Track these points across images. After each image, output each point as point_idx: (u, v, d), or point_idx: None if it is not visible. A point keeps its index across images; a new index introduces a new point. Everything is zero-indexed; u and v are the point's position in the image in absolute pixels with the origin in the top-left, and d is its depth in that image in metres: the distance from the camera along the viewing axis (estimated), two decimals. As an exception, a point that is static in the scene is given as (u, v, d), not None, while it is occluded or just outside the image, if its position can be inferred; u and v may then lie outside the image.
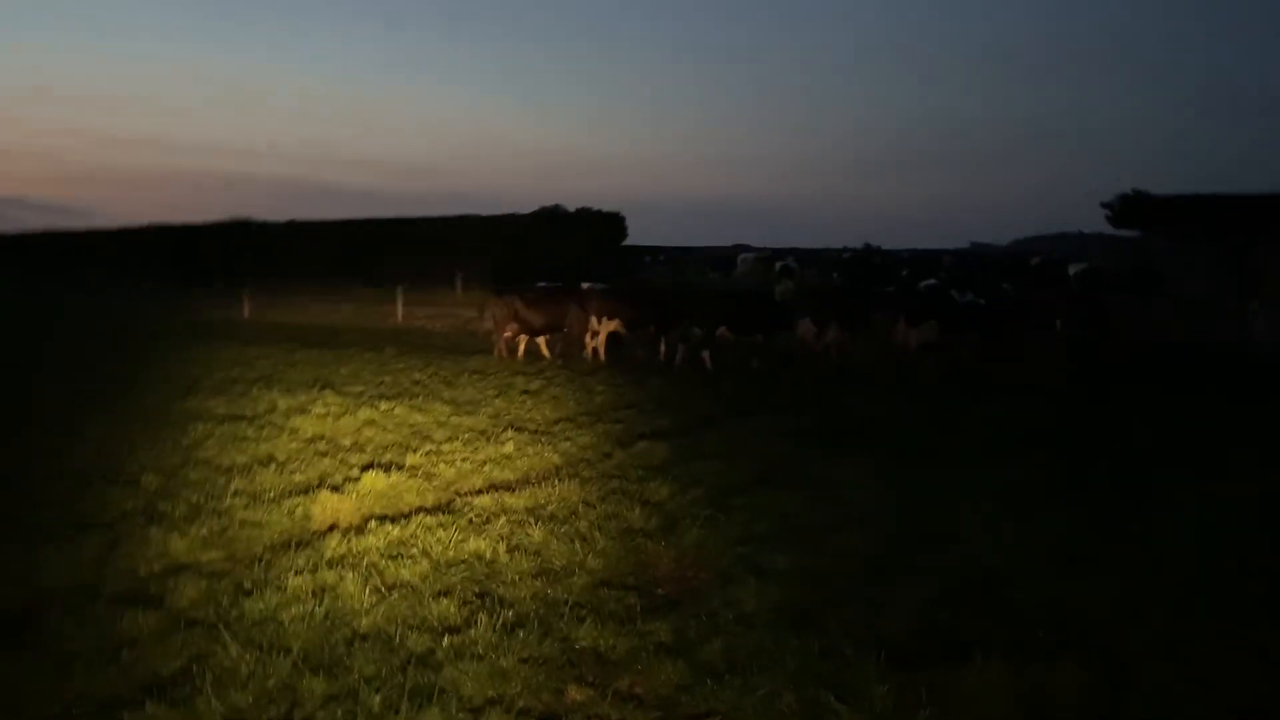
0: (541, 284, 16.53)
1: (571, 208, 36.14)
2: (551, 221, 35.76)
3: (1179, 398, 11.51)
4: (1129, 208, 30.37)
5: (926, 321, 14.69)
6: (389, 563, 5.66)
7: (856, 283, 25.72)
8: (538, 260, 29.68)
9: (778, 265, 37.51)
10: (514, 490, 7.36)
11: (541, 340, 15.76)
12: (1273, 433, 9.45)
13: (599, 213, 35.47)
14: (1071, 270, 25.97)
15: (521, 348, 15.63)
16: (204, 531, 6.21)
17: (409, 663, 4.37)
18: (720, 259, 47.16)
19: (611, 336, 15.62)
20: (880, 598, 5.13)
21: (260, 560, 5.73)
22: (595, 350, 15.44)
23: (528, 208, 37.30)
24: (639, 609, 5.05)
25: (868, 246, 47.76)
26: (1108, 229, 33.18)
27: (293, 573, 5.47)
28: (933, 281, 20.67)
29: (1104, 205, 31.03)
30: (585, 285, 16.31)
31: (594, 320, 15.45)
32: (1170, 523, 6.45)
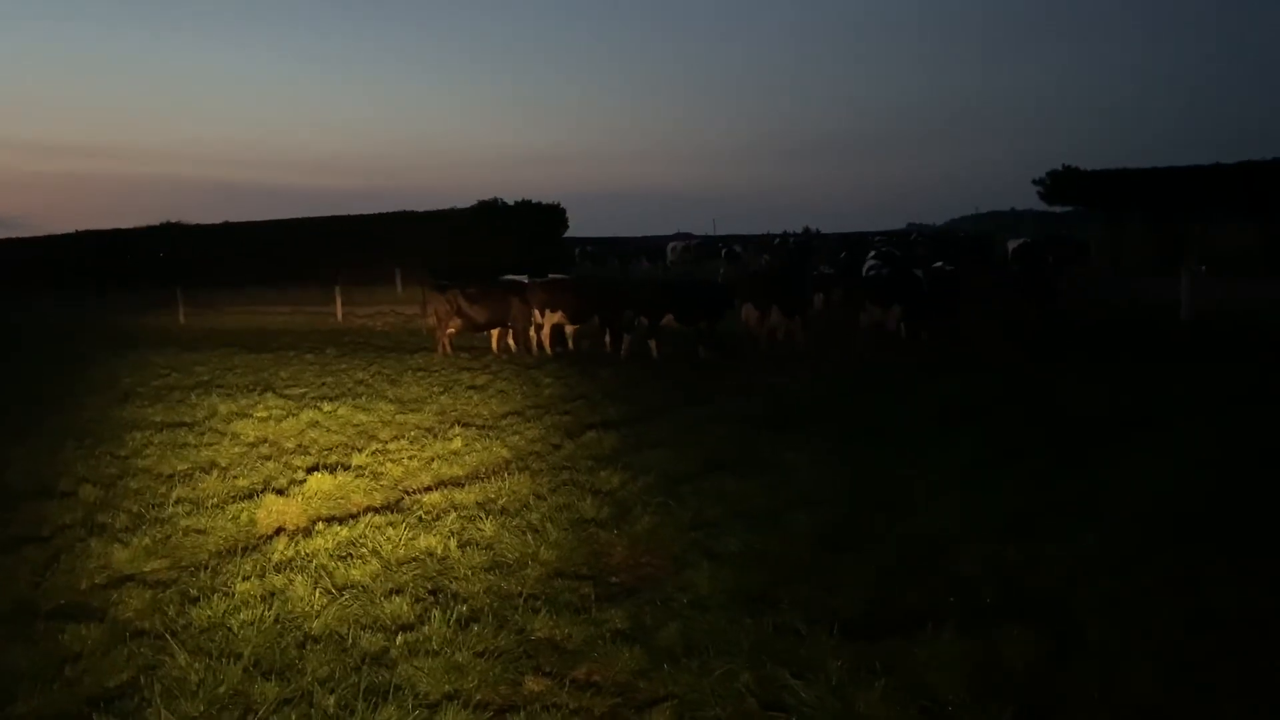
0: (509, 276, 16.41)
1: (511, 201, 35.89)
2: (492, 215, 35.49)
3: (1116, 365, 11.80)
4: (1060, 184, 31.07)
5: (893, 304, 14.95)
6: (338, 564, 5.59)
7: (794, 266, 25.96)
8: (479, 255, 29.47)
9: (723, 251, 37.79)
10: (463, 486, 7.30)
11: (493, 335, 15.66)
12: (1206, 395, 9.73)
13: (539, 205, 35.26)
14: (1010, 245, 26.46)
15: (513, 343, 15.51)
16: (146, 541, 6.06)
17: (363, 662, 4.32)
18: (654, 249, 47.59)
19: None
20: (832, 574, 5.19)
21: (206, 567, 5.62)
22: (540, 343, 15.40)
23: (466, 202, 36.99)
24: (594, 598, 5.05)
25: (807, 231, 48.28)
26: (1040, 205, 33.91)
27: (240, 578, 5.38)
28: (874, 261, 20.93)
29: (1036, 182, 31.69)
30: (553, 276, 16.30)
31: (537, 313, 15.39)
32: (1113, 487, 6.62)
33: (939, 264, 18.84)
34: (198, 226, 43.19)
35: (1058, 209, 35.05)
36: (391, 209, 38.17)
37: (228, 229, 42.11)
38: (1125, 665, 4.07)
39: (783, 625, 4.53)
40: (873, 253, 26.55)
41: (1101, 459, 7.40)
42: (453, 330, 15.50)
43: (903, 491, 6.73)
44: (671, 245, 46.36)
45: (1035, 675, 4.04)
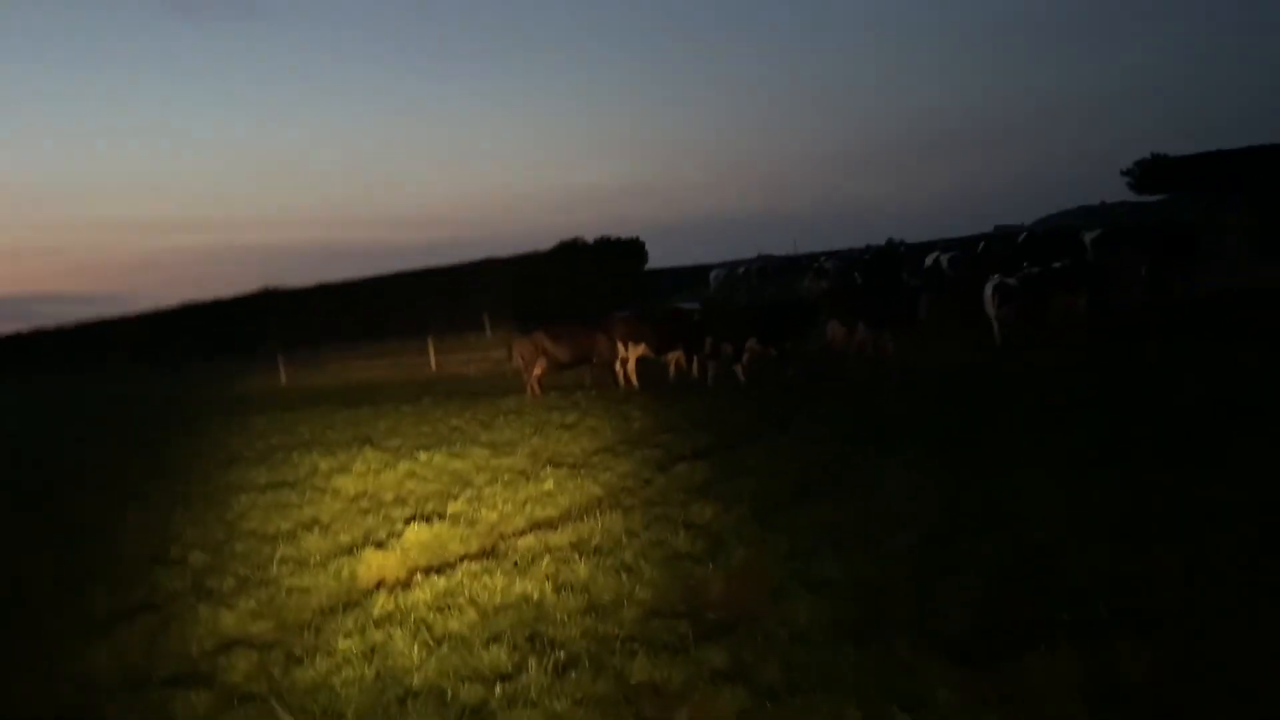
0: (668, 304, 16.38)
1: (590, 239, 36.21)
2: (572, 255, 35.85)
3: (1218, 356, 11.16)
4: (1149, 172, 29.96)
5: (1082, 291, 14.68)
6: (437, 615, 5.62)
7: (879, 278, 25.45)
8: (562, 294, 29.79)
9: (813, 266, 36.97)
10: (557, 527, 7.30)
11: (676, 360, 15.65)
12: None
13: (617, 241, 35.52)
14: (1086, 237, 25.27)
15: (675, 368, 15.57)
16: (252, 604, 6.20)
17: (463, 716, 4.32)
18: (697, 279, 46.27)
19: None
20: (936, 596, 4.99)
21: (309, 626, 5.71)
22: (627, 377, 15.40)
23: (548, 243, 37.43)
24: (692, 636, 4.94)
25: (890, 242, 47.24)
26: (1131, 198, 32.73)
27: (342, 635, 5.45)
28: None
29: (1124, 173, 30.62)
30: (685, 306, 16.35)
31: (621, 347, 15.41)
32: (1226, 484, 6.22)
33: (1025, 264, 18.19)
34: (294, 289, 44.71)
35: (1149, 199, 33.74)
36: (478, 256, 38.94)
37: (323, 290, 43.49)
38: (1255, 676, 3.78)
39: (888, 655, 4.36)
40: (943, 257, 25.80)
41: (1206, 454, 6.97)
42: (540, 371, 15.64)
43: (1003, 502, 6.46)
44: (714, 273, 44.58)
45: (1159, 691, 3.79)
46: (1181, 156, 29.38)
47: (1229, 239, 25.56)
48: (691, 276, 51.64)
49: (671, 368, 15.66)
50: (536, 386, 15.57)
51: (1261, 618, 4.28)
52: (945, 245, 39.31)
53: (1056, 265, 16.11)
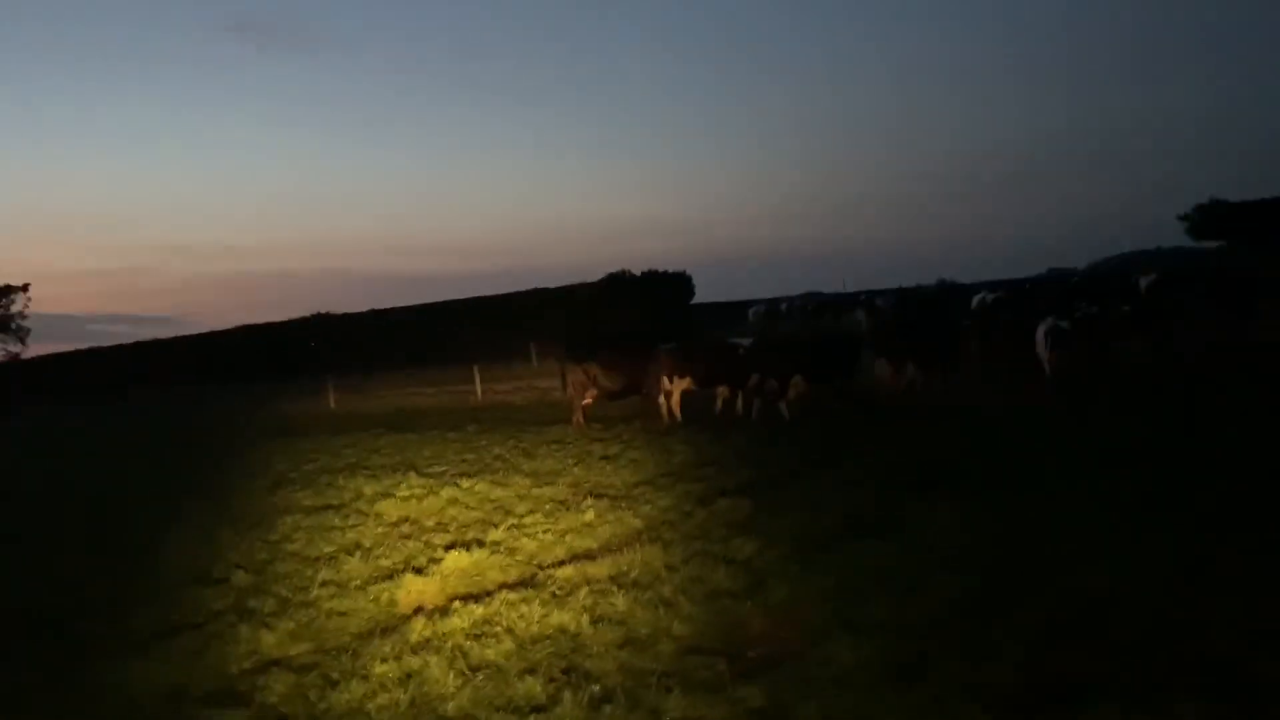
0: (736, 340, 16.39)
1: (638, 272, 36.40)
2: (620, 287, 36.05)
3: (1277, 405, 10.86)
4: (1207, 217, 29.41)
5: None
6: (473, 643, 5.61)
7: (930, 317, 25.20)
8: (609, 326, 29.92)
9: (864, 302, 36.70)
10: (596, 559, 7.26)
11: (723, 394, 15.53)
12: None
13: (665, 274, 35.67)
14: (1142, 282, 24.82)
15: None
16: (292, 625, 6.25)
17: (496, 747, 4.28)
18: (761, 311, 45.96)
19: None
20: (982, 643, 4.86)
21: (347, 650, 5.74)
22: (670, 410, 15.34)
23: (595, 275, 37.69)
24: (729, 674, 4.87)
25: (941, 283, 46.71)
26: (1188, 243, 32.16)
27: (379, 660, 5.45)
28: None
29: (1181, 218, 30.10)
30: (735, 341, 16.26)
31: (666, 380, 15.37)
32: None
33: (1082, 304, 17.93)
34: (346, 315, 45.47)
35: (1205, 244, 33.06)
36: (526, 287, 39.36)
37: (374, 316, 44.21)
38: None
39: (932, 702, 4.26)
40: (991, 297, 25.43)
41: (1270, 508, 6.74)
42: (588, 401, 15.65)
43: (1054, 549, 6.30)
44: (753, 310, 44.25)
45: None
46: (1241, 202, 28.89)
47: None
48: (740, 311, 51.56)
49: (718, 402, 15.57)
50: (582, 417, 15.57)
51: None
52: (994, 286, 38.83)
53: (1111, 309, 15.85)
